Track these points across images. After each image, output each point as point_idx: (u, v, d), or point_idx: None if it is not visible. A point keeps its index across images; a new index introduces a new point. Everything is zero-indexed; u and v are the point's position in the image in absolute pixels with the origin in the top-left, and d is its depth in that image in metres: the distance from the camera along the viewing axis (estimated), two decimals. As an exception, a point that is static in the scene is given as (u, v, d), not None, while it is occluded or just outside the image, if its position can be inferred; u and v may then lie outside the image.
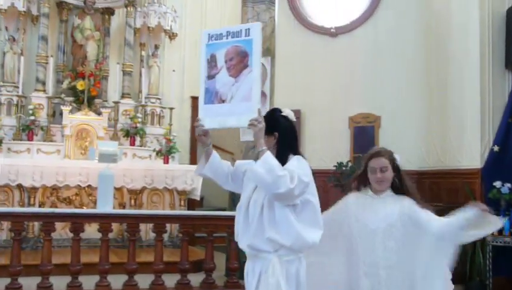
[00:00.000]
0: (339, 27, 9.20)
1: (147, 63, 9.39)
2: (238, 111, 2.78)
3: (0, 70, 8.46)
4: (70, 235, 5.54)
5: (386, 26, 8.76)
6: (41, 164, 7.68)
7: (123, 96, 9.02)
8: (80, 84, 8.43)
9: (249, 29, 2.84)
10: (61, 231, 7.37)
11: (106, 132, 8.42)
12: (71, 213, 5.59)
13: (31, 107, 8.22)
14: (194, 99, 9.87)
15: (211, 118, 2.88)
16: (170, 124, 8.95)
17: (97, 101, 8.68)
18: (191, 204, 9.15)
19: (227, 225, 5.77)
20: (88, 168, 7.69)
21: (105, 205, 5.86)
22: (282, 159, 2.78)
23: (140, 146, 8.78)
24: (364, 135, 8.78)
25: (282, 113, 2.97)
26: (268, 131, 2.82)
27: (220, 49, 2.88)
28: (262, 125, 2.74)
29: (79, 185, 7.79)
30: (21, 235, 5.43)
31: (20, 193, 7.66)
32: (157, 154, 8.63)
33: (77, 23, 9.02)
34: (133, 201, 8.15)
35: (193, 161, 9.79)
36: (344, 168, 8.23)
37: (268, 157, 2.70)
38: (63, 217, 5.57)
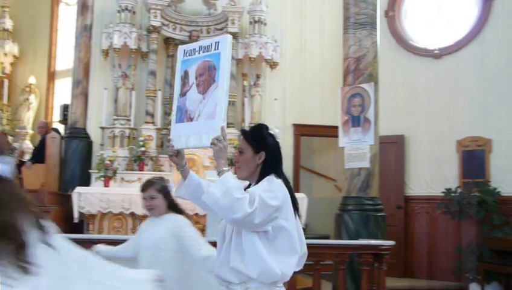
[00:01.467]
0: (442, 48, 8.95)
1: (249, 93, 9.61)
2: (203, 130, 2.64)
3: (113, 105, 8.99)
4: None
5: (494, 44, 8.39)
6: (152, 193, 8.01)
7: (227, 126, 9.23)
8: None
9: (218, 42, 2.69)
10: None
11: (211, 161, 8.66)
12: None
13: (141, 138, 8.66)
14: (297, 127, 9.95)
15: (179, 137, 2.74)
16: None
17: (203, 131, 8.97)
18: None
19: (335, 254, 5.72)
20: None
21: (214, 234, 5.99)
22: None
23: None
24: (473, 159, 8.39)
25: (270, 131, 2.74)
26: (255, 150, 2.66)
27: (192, 65, 2.75)
28: (223, 144, 2.57)
29: (188, 213, 8.04)
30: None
31: (132, 221, 8.03)
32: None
33: (183, 58, 9.43)
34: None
35: (296, 188, 9.80)
36: (453, 194, 7.89)
37: (227, 178, 2.46)
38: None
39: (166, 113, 9.17)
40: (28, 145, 12.52)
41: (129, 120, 8.86)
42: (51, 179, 8.93)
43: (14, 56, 14.27)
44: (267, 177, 2.62)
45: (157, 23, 9.09)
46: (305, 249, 2.72)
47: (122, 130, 8.81)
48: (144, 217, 7.86)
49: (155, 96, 8.95)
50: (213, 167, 8.69)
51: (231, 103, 9.38)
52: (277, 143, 2.75)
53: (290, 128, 10.06)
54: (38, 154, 9.31)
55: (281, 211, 2.54)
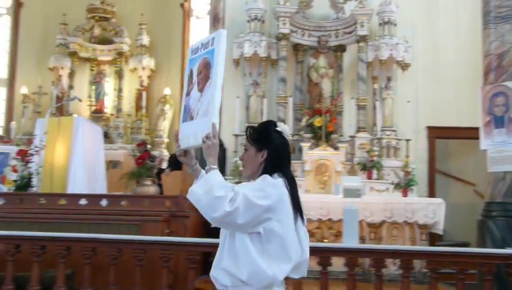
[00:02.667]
0: None
1: (380, 96, 9.41)
2: (199, 128, 2.57)
3: (245, 113, 9.22)
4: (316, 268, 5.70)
5: None
6: (285, 199, 8.11)
7: (358, 130, 9.14)
8: (318, 121, 8.78)
9: (214, 38, 2.59)
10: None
11: (344, 166, 8.59)
12: (319, 247, 5.75)
13: (273, 145, 8.77)
14: (431, 130, 9.57)
15: (184, 137, 2.68)
16: (407, 156, 8.78)
17: (334, 136, 8.93)
18: (431, 238, 8.78)
19: (479, 263, 5.40)
20: (328, 202, 7.90)
21: (351, 240, 5.92)
22: None
23: (377, 179, 8.76)
24: None
25: (277, 128, 2.63)
26: (258, 147, 2.57)
27: (196, 63, 2.69)
28: (212, 142, 2.49)
29: (320, 219, 8.03)
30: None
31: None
32: (395, 187, 8.51)
33: (312, 63, 9.49)
34: (372, 235, 8.10)
35: (431, 193, 9.43)
36: None
37: (211, 176, 2.42)
38: (312, 251, 5.74)
39: (298, 119, 9.24)
40: (165, 153, 13.25)
41: (259, 128, 9.03)
42: (188, 185, 9.27)
43: (151, 69, 15.18)
44: (263, 175, 2.52)
45: (286, 31, 9.21)
46: (305, 256, 2.58)
47: (254, 138, 8.99)
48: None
49: (286, 103, 9.06)
50: (345, 172, 8.61)
51: (362, 107, 9.24)
52: (283, 141, 2.61)
53: (424, 131, 9.71)
54: (177, 162, 9.77)
55: (274, 212, 2.42)
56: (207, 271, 7.42)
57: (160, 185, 8.91)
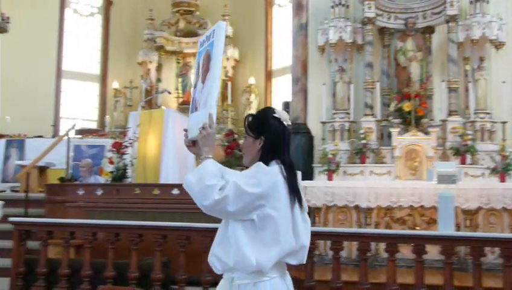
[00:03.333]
0: None
1: (473, 77, 8.98)
2: (200, 118, 2.58)
3: (332, 99, 9.12)
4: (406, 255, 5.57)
5: None
6: (375, 185, 7.98)
7: (450, 113, 8.78)
8: (407, 106, 8.52)
9: (214, 30, 2.65)
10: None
11: (435, 151, 8.29)
12: (414, 235, 5.61)
13: (361, 131, 8.64)
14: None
15: (190, 127, 2.67)
16: (504, 140, 8.35)
17: (424, 120, 8.63)
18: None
19: None
20: (420, 189, 7.69)
21: (447, 227, 5.73)
22: None
23: (472, 164, 8.39)
24: None
25: (275, 114, 2.59)
26: (255, 134, 2.56)
27: (201, 56, 2.74)
28: (208, 132, 2.50)
29: (411, 206, 7.83)
30: (367, 255, 5.66)
31: (357, 214, 8.06)
32: (491, 172, 8.12)
33: (399, 46, 9.21)
34: (468, 222, 7.79)
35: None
36: None
37: (205, 165, 2.42)
38: (406, 238, 5.63)
39: (385, 105, 9.03)
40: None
41: (348, 113, 8.92)
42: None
43: (235, 60, 15.36)
44: (257, 163, 2.50)
45: (371, 14, 8.99)
46: (302, 242, 2.51)
47: (342, 124, 8.89)
48: (369, 209, 7.88)
49: (373, 88, 8.86)
50: (436, 157, 8.33)
51: (453, 90, 8.87)
52: (281, 127, 2.58)
53: (522, 113, 9.17)
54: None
55: (268, 199, 2.41)
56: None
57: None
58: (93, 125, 15.58)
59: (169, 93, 10.72)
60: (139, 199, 7.13)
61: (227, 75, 15.15)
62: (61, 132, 13.52)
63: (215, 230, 5.52)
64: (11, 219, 6.11)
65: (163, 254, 5.75)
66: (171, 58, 15.96)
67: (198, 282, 5.59)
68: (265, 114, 2.64)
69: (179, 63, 15.89)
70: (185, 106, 14.98)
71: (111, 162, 7.69)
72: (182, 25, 15.89)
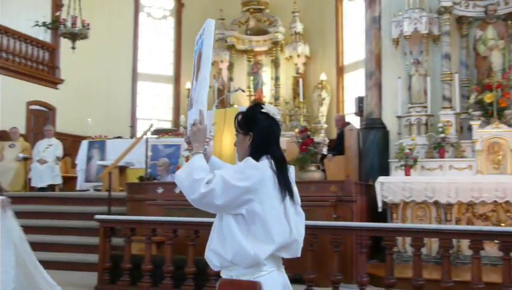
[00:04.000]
0: None
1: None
2: (192, 116, 2.68)
3: (407, 93, 8.89)
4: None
5: None
6: (455, 181, 7.72)
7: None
8: (488, 97, 8.18)
9: (204, 28, 2.70)
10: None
11: (519, 144, 7.91)
12: (500, 231, 5.39)
13: (440, 125, 8.37)
14: None
15: (189, 124, 2.73)
16: None
17: (507, 112, 8.26)
18: None
19: None
20: (505, 183, 7.38)
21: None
22: None
23: (560, 157, 7.94)
24: None
25: (262, 110, 2.60)
26: (244, 131, 2.58)
27: (196, 54, 2.80)
28: (198, 128, 2.59)
29: (495, 201, 7.52)
30: (449, 252, 5.49)
31: (436, 210, 7.83)
32: None
33: (479, 35, 8.84)
34: None
35: None
36: None
37: (194, 160, 2.49)
38: (492, 235, 5.42)
39: (465, 97, 8.71)
40: (324, 139, 13.28)
41: (425, 107, 8.65)
42: (351, 169, 9.27)
43: (306, 56, 15.31)
44: (246, 158, 2.52)
45: (448, 3, 8.67)
46: (294, 236, 2.51)
47: (419, 118, 8.64)
48: (449, 205, 7.64)
49: (451, 80, 8.56)
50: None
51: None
52: (269, 122, 2.59)
53: None
54: (338, 147, 9.78)
55: (255, 194, 2.42)
56: (376, 256, 7.36)
57: (323, 171, 8.96)
58: (168, 126, 15.99)
59: (243, 91, 10.81)
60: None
61: (299, 72, 15.12)
62: (138, 133, 13.98)
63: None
64: (97, 216, 6.37)
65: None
66: (242, 57, 16.11)
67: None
68: (253, 110, 2.66)
69: (249, 61, 16.01)
70: (257, 104, 15.06)
71: (188, 161, 7.85)
72: (252, 23, 16.00)
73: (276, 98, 15.47)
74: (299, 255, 2.58)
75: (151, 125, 11.09)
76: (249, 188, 2.42)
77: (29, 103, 13.88)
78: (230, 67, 15.86)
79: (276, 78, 15.55)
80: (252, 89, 15.68)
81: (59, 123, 14.21)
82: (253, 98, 15.56)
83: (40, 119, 14.21)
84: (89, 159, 11.70)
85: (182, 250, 6.09)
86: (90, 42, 13.28)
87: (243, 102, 15.14)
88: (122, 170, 10.29)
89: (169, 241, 6.00)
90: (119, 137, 12.18)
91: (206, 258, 2.57)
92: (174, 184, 7.67)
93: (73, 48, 12.40)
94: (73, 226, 8.30)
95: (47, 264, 7.27)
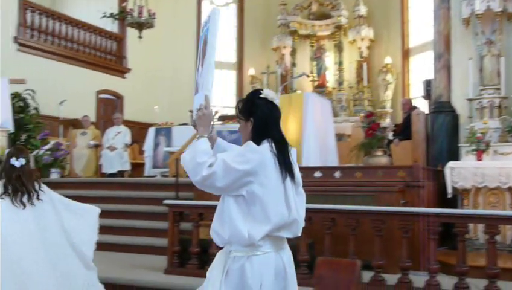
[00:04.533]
0: None
1: None
2: (198, 100, 2.77)
3: (479, 75, 8.55)
4: None
5: None
6: (531, 166, 7.39)
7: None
8: None
9: (209, 16, 2.79)
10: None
11: None
12: None
13: (513, 108, 8.02)
14: None
15: (194, 108, 2.81)
16: None
17: None
18: None
19: None
20: None
21: None
22: None
23: None
24: None
25: (261, 95, 2.72)
26: (245, 117, 2.71)
27: (201, 40, 2.87)
28: (203, 112, 2.69)
29: None
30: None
31: (510, 195, 7.52)
32: None
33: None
34: None
35: None
36: None
37: (197, 144, 2.61)
38: None
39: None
40: (390, 124, 13.03)
41: (498, 89, 8.29)
42: (418, 154, 9.02)
43: (370, 40, 15.02)
44: (247, 142, 2.63)
45: (523, -21, 8.26)
46: (294, 216, 2.62)
47: (491, 100, 8.29)
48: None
49: (529, 60, 8.17)
50: None
51: None
52: (268, 106, 2.70)
53: None
54: (405, 131, 9.55)
55: (255, 176, 2.54)
56: (445, 244, 7.13)
57: (390, 156, 8.78)
58: (232, 112, 16.11)
59: (308, 76, 10.75)
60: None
61: (362, 56, 14.87)
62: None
63: (360, 212, 5.46)
64: (166, 201, 6.50)
65: (308, 235, 5.79)
66: (304, 42, 16.00)
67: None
68: (252, 96, 2.77)
69: (312, 46, 15.86)
70: (320, 89, 14.95)
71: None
72: (314, 8, 15.83)
73: (340, 82, 15.28)
74: (299, 235, 2.71)
75: (217, 112, 11.19)
76: (249, 170, 2.55)
77: (99, 92, 14.35)
78: (293, 52, 15.79)
79: (340, 63, 15.35)
80: (315, 74, 15.56)
81: (126, 111, 14.62)
82: (316, 83, 15.45)
83: (109, 108, 14.68)
84: (156, 145, 11.96)
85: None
86: (156, 31, 13.54)
87: (306, 87, 15.06)
88: (188, 156, 10.45)
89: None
90: (184, 124, 12.37)
91: (211, 236, 2.71)
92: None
93: (140, 37, 12.68)
94: (142, 211, 8.52)
95: (116, 248, 7.59)
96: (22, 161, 4.28)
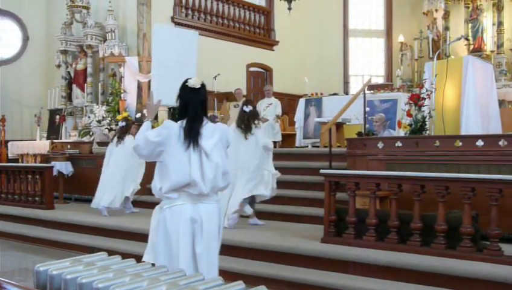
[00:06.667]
0: None
1: None
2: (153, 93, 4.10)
3: None
4: None
5: None
6: None
7: None
8: None
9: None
10: None
11: None
12: None
13: None
14: None
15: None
16: None
17: None
18: None
19: None
20: None
21: None
22: None
23: None
24: None
25: (186, 83, 3.56)
26: (177, 101, 3.62)
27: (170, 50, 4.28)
28: (147, 104, 3.88)
29: None
30: None
31: None
32: None
33: None
34: None
35: None
36: None
37: (143, 125, 3.60)
38: None
39: None
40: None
41: None
42: None
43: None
44: (165, 120, 3.67)
45: None
46: (193, 177, 3.39)
47: None
48: None
49: None
50: None
51: None
52: (186, 91, 3.56)
53: None
54: None
55: (165, 146, 3.43)
56: None
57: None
58: (381, 81, 15.74)
59: (467, 39, 10.12)
60: (440, 151, 6.95)
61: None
62: (352, 90, 13.98)
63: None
64: (322, 171, 6.56)
65: (472, 207, 5.52)
66: (458, 4, 15.05)
67: (510, 239, 5.25)
68: (182, 85, 3.59)
69: (467, 7, 14.88)
70: (477, 54, 14.02)
71: (409, 115, 7.61)
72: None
73: (499, 45, 14.20)
74: (204, 192, 3.42)
75: (370, 79, 10.99)
76: (160, 142, 3.43)
77: (248, 66, 14.77)
78: (446, 16, 14.94)
79: (499, 24, 14.24)
80: (470, 37, 14.61)
81: (275, 83, 14.90)
82: (472, 47, 14.52)
83: (259, 80, 15.07)
84: (306, 116, 12.07)
85: (405, 205, 5.99)
86: (302, 3, 13.55)
87: (460, 52, 14.22)
88: (339, 126, 10.40)
89: (394, 196, 5.94)
90: (334, 94, 12.33)
91: None
92: (396, 139, 7.57)
93: (289, 8, 12.78)
94: (296, 180, 8.68)
95: (275, 216, 7.85)
96: (250, 108, 7.05)
